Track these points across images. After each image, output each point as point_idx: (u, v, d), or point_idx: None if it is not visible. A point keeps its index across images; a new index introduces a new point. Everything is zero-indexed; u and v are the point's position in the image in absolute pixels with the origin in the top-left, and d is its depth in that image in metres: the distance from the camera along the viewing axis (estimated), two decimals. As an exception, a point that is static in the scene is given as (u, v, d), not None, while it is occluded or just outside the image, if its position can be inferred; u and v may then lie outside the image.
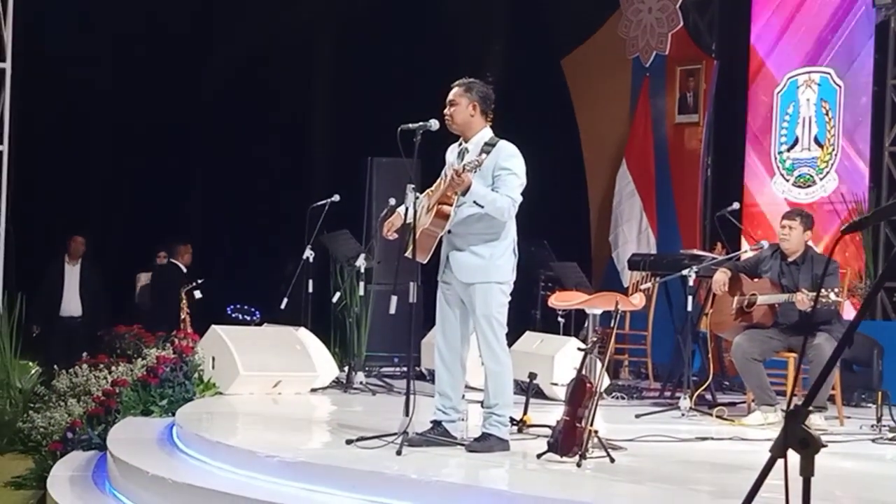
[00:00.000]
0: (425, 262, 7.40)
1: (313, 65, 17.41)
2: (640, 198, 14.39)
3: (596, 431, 7.00)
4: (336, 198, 11.57)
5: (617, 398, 10.69)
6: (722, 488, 6.34)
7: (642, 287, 11.53)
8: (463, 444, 7.29)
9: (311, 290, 11.50)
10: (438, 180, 7.49)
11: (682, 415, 9.36)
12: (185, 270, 14.53)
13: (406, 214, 7.39)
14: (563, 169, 15.02)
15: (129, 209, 16.62)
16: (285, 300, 11.45)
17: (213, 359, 10.20)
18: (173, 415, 9.10)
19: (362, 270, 11.19)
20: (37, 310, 13.53)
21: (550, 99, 15.47)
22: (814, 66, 12.80)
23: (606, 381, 10.05)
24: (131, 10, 15.67)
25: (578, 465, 6.75)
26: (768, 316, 9.23)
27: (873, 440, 8.56)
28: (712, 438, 8.34)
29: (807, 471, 2.93)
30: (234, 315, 14.02)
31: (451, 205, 7.20)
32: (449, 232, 7.28)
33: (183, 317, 14.26)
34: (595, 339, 7.61)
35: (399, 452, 6.91)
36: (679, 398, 9.64)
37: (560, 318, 12.04)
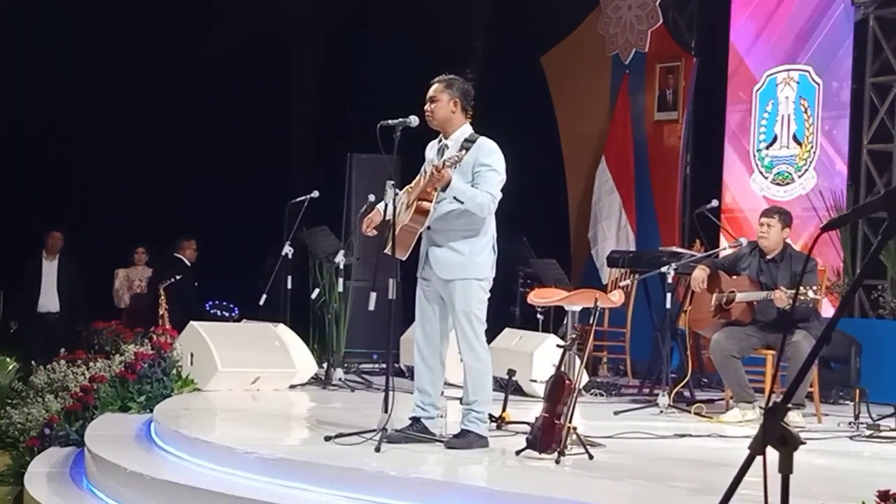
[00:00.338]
0: (405, 258, 7.40)
1: (294, 61, 17.40)
2: (620, 195, 14.40)
3: (575, 428, 7.01)
4: (315, 194, 11.55)
5: (596, 395, 10.70)
6: (700, 485, 6.36)
7: (621, 284, 11.55)
8: (442, 441, 7.29)
9: (290, 286, 11.49)
10: (418, 177, 7.48)
11: (661, 412, 9.37)
12: (189, 265, 14.53)
13: (385, 211, 7.39)
14: (543, 166, 15.02)
15: (108, 205, 16.57)
16: (264, 296, 11.43)
17: (192, 355, 10.17)
18: (151, 411, 9.07)
19: (341, 267, 11.18)
20: (14, 305, 13.50)
21: (530, 96, 15.47)
22: (793, 63, 12.83)
23: (585, 378, 10.05)
24: (114, 7, 15.62)
25: (557, 461, 6.76)
26: (747, 313, 9.25)
27: (851, 437, 8.59)
28: (691, 435, 8.35)
29: (785, 468, 2.93)
30: (212, 311, 13.98)
31: (430, 201, 7.19)
32: (428, 228, 7.28)
33: (161, 313, 14.24)
34: (574, 335, 7.62)
35: (378, 449, 6.90)
36: (658, 395, 9.65)
37: (539, 315, 12.04)
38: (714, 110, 13.78)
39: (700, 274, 9.46)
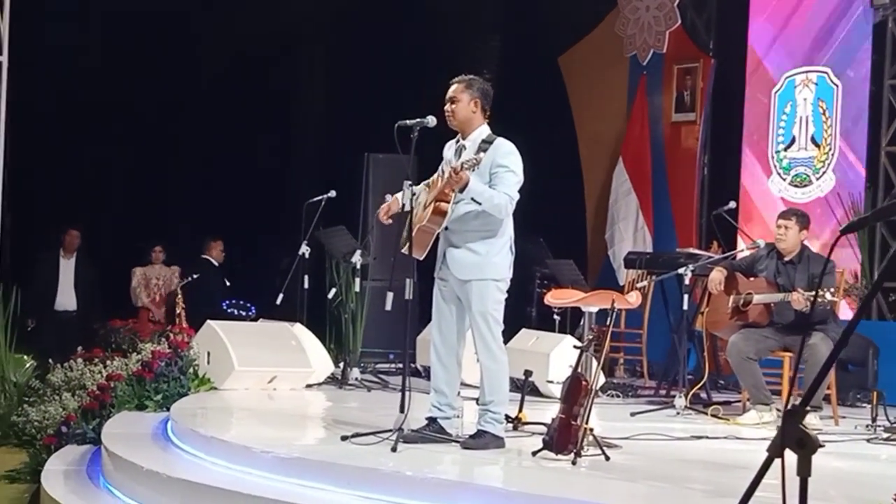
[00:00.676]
0: (422, 258, 7.40)
1: (310, 61, 17.41)
2: (637, 196, 14.39)
3: (591, 429, 7.00)
4: (332, 194, 11.55)
5: (612, 396, 10.69)
6: (716, 487, 6.35)
7: (638, 285, 11.55)
8: (458, 441, 7.29)
9: (306, 285, 11.49)
10: (435, 175, 7.49)
11: (678, 413, 9.35)
12: (217, 265, 14.57)
13: (403, 200, 7.38)
14: (560, 167, 15.02)
15: (125, 203, 16.60)
16: (281, 296, 11.44)
17: (209, 354, 10.18)
18: (168, 409, 9.09)
19: (358, 266, 11.19)
20: (32, 303, 13.51)
21: (547, 97, 15.46)
22: (811, 65, 12.80)
23: (602, 380, 10.04)
24: (127, 4, 15.65)
25: (573, 462, 6.75)
26: (764, 315, 9.23)
27: (868, 440, 8.56)
28: (707, 437, 8.33)
29: (804, 471, 2.92)
30: (229, 310, 14.02)
31: (448, 202, 7.19)
32: (446, 229, 7.28)
33: (178, 311, 14.27)
34: (591, 337, 7.60)
35: (394, 449, 6.90)
36: (674, 397, 9.64)
37: (556, 316, 12.04)
38: (732, 112, 13.74)
39: (717, 275, 9.45)
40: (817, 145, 12.67)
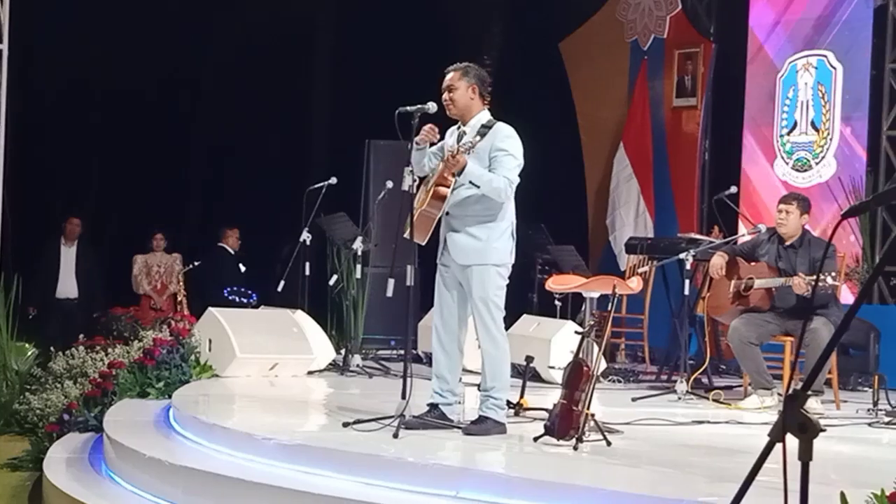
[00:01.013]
0: (424, 243, 7.39)
1: (312, 48, 17.40)
2: (638, 181, 14.38)
3: (592, 415, 7.01)
4: (333, 180, 11.54)
5: (614, 382, 10.68)
6: (718, 471, 6.35)
7: (639, 270, 11.54)
8: (460, 427, 7.29)
9: (308, 272, 11.49)
10: (437, 162, 7.48)
11: (679, 398, 9.36)
12: (232, 253, 14.58)
13: (403, 187, 7.33)
14: (561, 152, 15.01)
15: (126, 191, 16.59)
16: (282, 283, 11.44)
17: (210, 341, 10.19)
18: (170, 397, 9.10)
19: (359, 253, 11.18)
20: (33, 291, 13.52)
21: (548, 82, 15.46)
22: (810, 50, 12.78)
23: (603, 365, 10.05)
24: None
25: (575, 448, 6.75)
26: (765, 300, 9.23)
27: (869, 424, 8.56)
28: (709, 422, 8.34)
29: (805, 455, 2.92)
30: (230, 297, 14.02)
31: (448, 186, 7.19)
32: (447, 214, 7.28)
33: (180, 299, 14.28)
34: (592, 322, 7.60)
35: (396, 435, 6.90)
36: (676, 382, 9.64)
37: (557, 302, 12.03)
38: (733, 97, 13.73)
39: (718, 260, 9.45)
40: (817, 130, 12.66)
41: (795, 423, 2.90)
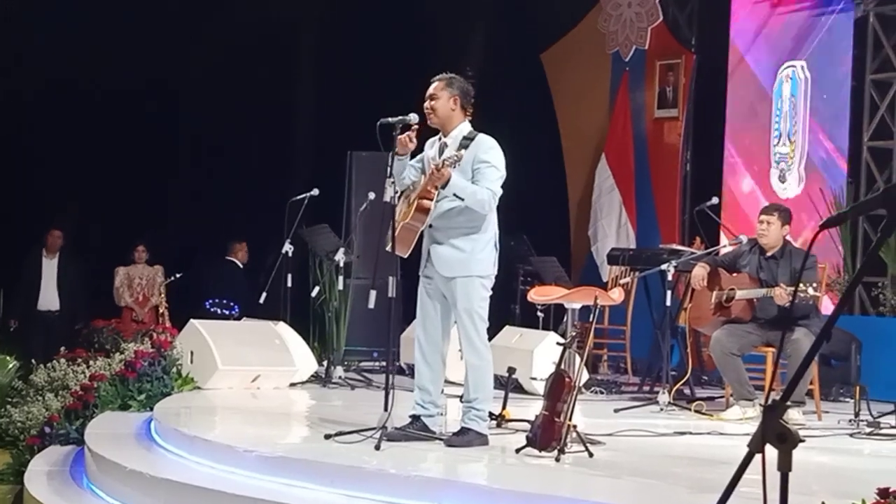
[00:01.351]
0: (406, 256, 7.39)
1: (294, 58, 17.37)
2: (620, 192, 14.40)
3: (574, 426, 7.01)
4: (315, 192, 11.54)
5: (596, 393, 10.69)
6: (700, 482, 6.35)
7: (621, 282, 11.54)
8: (442, 439, 7.29)
9: (290, 284, 11.48)
10: (417, 174, 7.48)
11: (661, 409, 9.37)
12: (241, 266, 14.55)
13: (385, 198, 7.34)
14: (543, 163, 15.01)
15: (108, 202, 16.54)
16: (264, 294, 11.43)
17: (192, 353, 10.16)
18: (151, 409, 9.08)
19: (341, 265, 11.18)
20: (14, 304, 13.49)
21: (530, 93, 15.46)
22: (791, 61, 12.82)
23: (585, 376, 10.05)
24: (112, 5, 15.60)
25: (557, 459, 6.76)
26: (747, 311, 9.25)
27: (851, 435, 8.58)
28: (691, 433, 8.35)
29: (784, 465, 2.93)
30: (212, 309, 13.99)
31: (431, 199, 7.20)
32: (430, 226, 7.28)
33: (161, 311, 14.25)
34: (574, 333, 7.62)
35: (378, 447, 6.90)
36: (658, 393, 9.65)
37: (539, 313, 12.02)
38: (714, 107, 13.76)
39: (700, 271, 9.46)
40: (791, 141, 12.72)
41: (775, 434, 2.90)
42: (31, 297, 14.23)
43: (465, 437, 7.24)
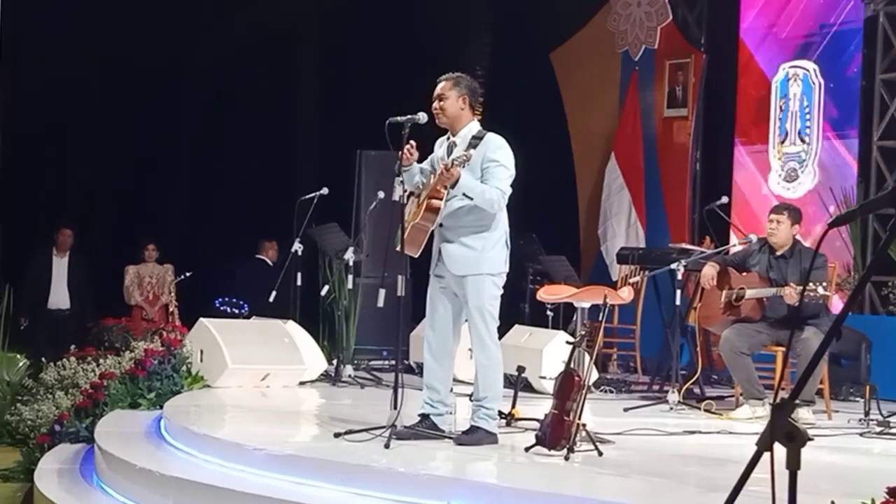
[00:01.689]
0: (417, 256, 7.40)
1: (302, 58, 17.38)
2: (629, 191, 14.40)
3: (584, 425, 7.01)
4: (325, 191, 11.55)
5: (605, 392, 10.69)
6: (710, 482, 6.35)
7: (631, 281, 11.53)
8: (451, 438, 7.29)
9: (299, 283, 11.49)
10: (428, 175, 7.48)
11: (671, 408, 9.36)
12: (271, 265, 14.56)
13: (394, 197, 7.36)
14: (552, 163, 15.02)
15: (118, 201, 16.58)
16: (274, 293, 11.43)
17: (202, 352, 10.18)
18: (161, 408, 9.09)
19: (351, 263, 11.18)
20: (24, 302, 13.49)
21: (539, 92, 15.46)
22: (800, 60, 12.81)
23: (595, 375, 10.05)
24: (118, 4, 15.62)
25: (566, 458, 6.75)
26: (756, 310, 9.24)
27: (861, 434, 8.57)
28: (700, 432, 8.34)
29: (793, 464, 2.93)
30: (222, 308, 14.00)
31: (440, 199, 7.20)
32: (440, 225, 7.29)
33: (171, 310, 14.27)
34: (583, 332, 7.61)
35: (387, 446, 6.90)
36: (667, 392, 9.65)
37: (549, 312, 12.02)
38: (724, 107, 13.76)
39: (710, 271, 9.45)
40: (803, 140, 12.71)
41: (783, 432, 2.90)
42: (42, 296, 14.25)
43: (474, 436, 7.24)
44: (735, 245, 10.23)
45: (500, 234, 7.32)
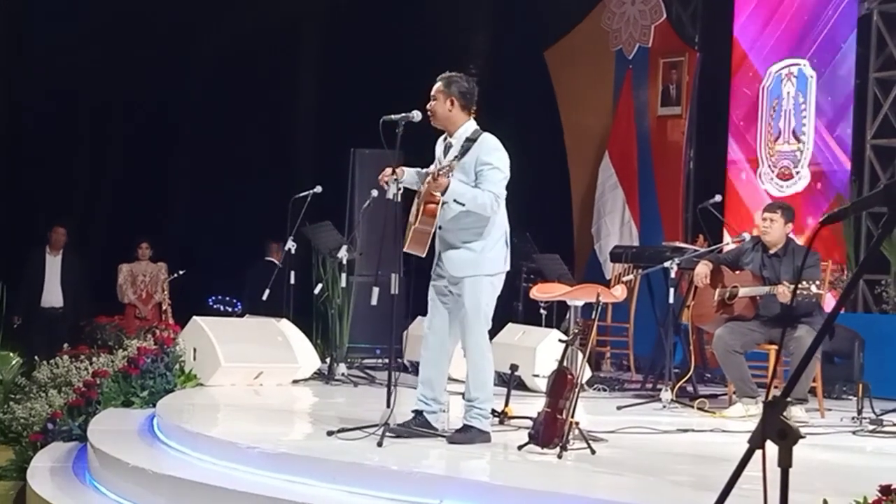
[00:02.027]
0: (423, 255, 7.39)
1: (297, 56, 17.39)
2: (623, 190, 14.41)
3: (577, 423, 7.01)
4: (318, 189, 11.54)
5: (598, 390, 10.69)
6: (702, 479, 6.35)
7: (624, 279, 11.53)
8: (444, 436, 7.30)
9: (293, 281, 11.48)
10: (432, 166, 7.49)
11: (664, 407, 9.36)
12: (280, 266, 14.55)
13: (388, 195, 7.37)
14: (546, 161, 15.02)
15: (112, 199, 16.57)
16: (267, 291, 11.43)
17: (195, 350, 10.17)
18: (154, 406, 9.08)
19: (344, 262, 11.18)
20: (18, 300, 13.48)
21: (533, 90, 15.46)
22: (794, 59, 12.82)
23: (588, 373, 10.05)
24: (117, 3, 15.62)
25: (559, 456, 6.76)
26: (750, 308, 9.24)
27: (854, 432, 8.57)
28: (693, 430, 8.34)
29: (784, 461, 2.93)
30: (215, 306, 14.00)
31: (436, 203, 7.20)
32: (440, 228, 7.29)
33: (165, 308, 14.26)
34: (576, 330, 7.61)
35: (380, 444, 6.90)
36: (660, 390, 9.65)
37: (542, 310, 12.03)
38: (717, 105, 13.77)
39: (703, 269, 9.45)
40: (798, 139, 12.72)
41: (775, 430, 2.90)
42: (35, 294, 14.24)
43: (467, 435, 7.24)
44: (728, 243, 10.24)
45: (500, 233, 7.32)
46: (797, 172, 12.66)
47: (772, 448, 2.95)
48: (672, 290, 9.71)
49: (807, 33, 12.72)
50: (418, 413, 7.39)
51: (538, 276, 12.54)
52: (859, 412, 8.96)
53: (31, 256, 14.46)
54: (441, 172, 7.08)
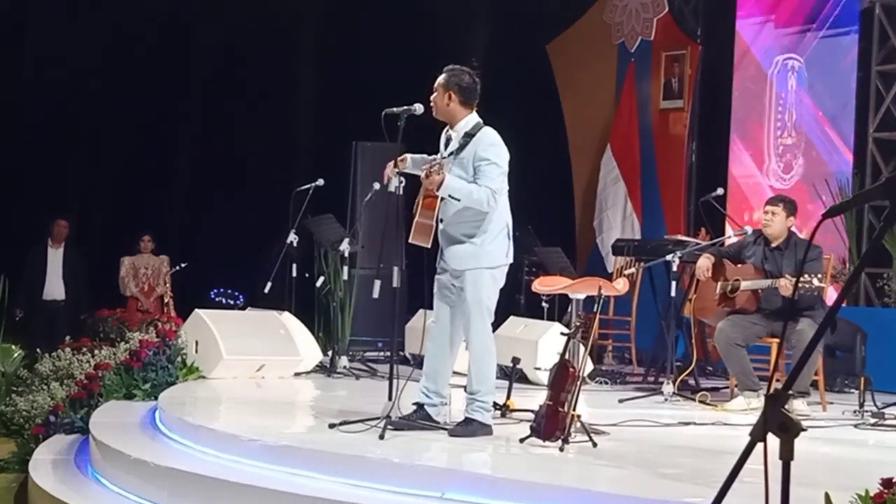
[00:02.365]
0: (429, 246, 7.40)
1: (298, 49, 17.38)
2: (625, 183, 14.40)
3: (579, 416, 7.01)
4: (320, 182, 11.54)
5: (600, 383, 10.69)
6: (704, 473, 6.35)
7: (626, 272, 11.54)
8: (446, 429, 7.30)
9: (295, 274, 11.49)
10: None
11: (665, 400, 9.36)
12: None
13: (390, 188, 7.39)
14: (548, 154, 15.02)
15: (113, 192, 16.57)
16: (269, 284, 11.43)
17: (197, 343, 10.17)
18: (156, 398, 9.09)
19: (346, 255, 11.18)
20: (20, 293, 13.49)
21: (535, 84, 15.46)
22: (797, 52, 12.82)
23: (590, 366, 10.05)
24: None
25: (561, 449, 6.76)
26: (751, 301, 9.24)
27: (856, 425, 8.57)
28: (695, 423, 8.35)
29: (786, 454, 2.93)
30: (217, 299, 14.00)
31: (434, 197, 7.21)
32: (441, 221, 7.29)
33: (166, 301, 14.26)
34: (578, 323, 7.61)
35: (382, 436, 6.91)
36: (662, 383, 9.65)
37: (544, 304, 12.03)
38: (719, 98, 13.75)
39: (705, 262, 9.45)
40: (799, 132, 12.72)
41: (777, 423, 2.90)
42: (37, 287, 14.24)
43: (468, 428, 7.24)
44: (730, 237, 10.22)
45: (501, 226, 7.33)
46: (798, 165, 12.65)
47: (773, 441, 2.95)
48: (674, 284, 9.71)
49: (809, 26, 12.71)
50: (420, 406, 7.40)
51: (540, 269, 12.54)
52: (861, 405, 8.97)
53: (33, 249, 14.47)
54: (433, 170, 7.09)
